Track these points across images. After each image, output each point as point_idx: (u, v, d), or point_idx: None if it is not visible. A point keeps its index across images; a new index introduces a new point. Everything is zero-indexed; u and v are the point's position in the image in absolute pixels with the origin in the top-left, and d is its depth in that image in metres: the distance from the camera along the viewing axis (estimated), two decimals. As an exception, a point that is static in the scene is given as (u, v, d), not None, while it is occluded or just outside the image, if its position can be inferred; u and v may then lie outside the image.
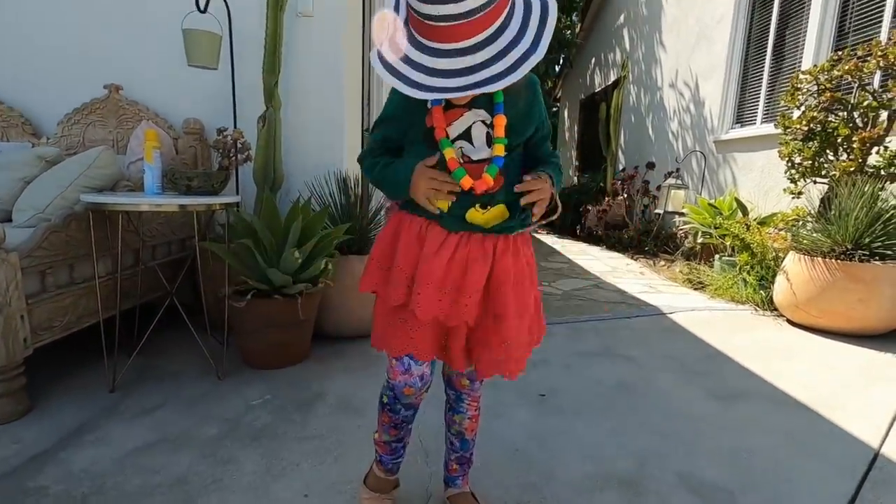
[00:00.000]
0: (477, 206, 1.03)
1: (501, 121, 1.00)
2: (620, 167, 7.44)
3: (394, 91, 1.01)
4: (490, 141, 1.01)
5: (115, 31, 2.82)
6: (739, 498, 1.35)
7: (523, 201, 1.00)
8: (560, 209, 1.09)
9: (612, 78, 8.39)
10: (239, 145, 2.17)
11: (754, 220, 3.72)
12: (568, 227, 7.42)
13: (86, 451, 1.51)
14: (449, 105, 1.01)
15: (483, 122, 1.01)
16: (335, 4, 2.72)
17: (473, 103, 1.01)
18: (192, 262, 2.44)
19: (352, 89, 2.93)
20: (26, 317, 1.68)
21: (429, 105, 1.01)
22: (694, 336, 2.72)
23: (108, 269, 2.08)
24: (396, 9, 0.93)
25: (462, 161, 1.02)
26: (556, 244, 6.45)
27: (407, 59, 0.90)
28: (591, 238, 6.61)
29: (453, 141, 1.01)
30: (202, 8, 2.33)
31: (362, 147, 3.00)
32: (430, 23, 0.86)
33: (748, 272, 3.39)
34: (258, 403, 1.84)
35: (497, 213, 1.04)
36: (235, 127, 2.65)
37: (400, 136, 1.09)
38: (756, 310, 3.20)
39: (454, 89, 0.88)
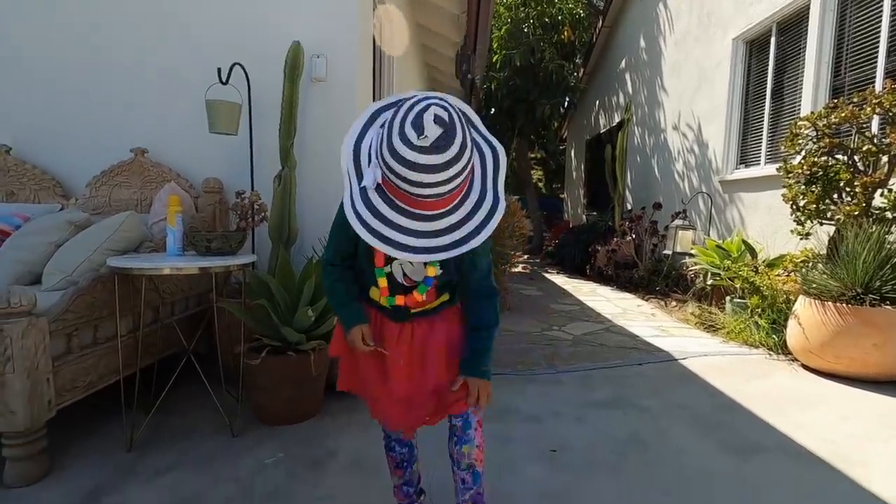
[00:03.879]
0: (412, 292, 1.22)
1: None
2: (628, 206, 7.51)
3: (338, 223, 1.17)
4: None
5: (141, 94, 3.01)
6: (756, 564, 1.33)
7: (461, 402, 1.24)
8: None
9: (616, 120, 8.59)
10: (256, 207, 2.28)
11: (763, 261, 3.73)
12: (578, 266, 7.43)
13: (104, 515, 1.54)
14: None
15: None
16: (347, 70, 2.89)
17: None
18: (209, 318, 2.51)
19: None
20: (52, 379, 1.74)
21: None
22: (707, 384, 2.70)
23: (129, 328, 2.16)
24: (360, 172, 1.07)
25: (400, 278, 1.20)
26: (567, 284, 6.46)
27: (383, 218, 1.04)
28: (601, 277, 6.61)
29: (392, 262, 1.19)
30: (224, 80, 2.50)
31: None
32: (407, 189, 1.00)
33: (760, 315, 3.38)
34: (271, 462, 1.86)
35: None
36: (252, 186, 2.78)
37: (350, 246, 1.23)
38: (770, 354, 3.17)
39: (438, 248, 1.04)
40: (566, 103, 10.37)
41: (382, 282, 1.20)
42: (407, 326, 1.26)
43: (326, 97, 2.90)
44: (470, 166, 1.03)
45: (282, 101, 2.67)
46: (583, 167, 11.01)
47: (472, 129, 1.08)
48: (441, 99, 1.00)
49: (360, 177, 1.06)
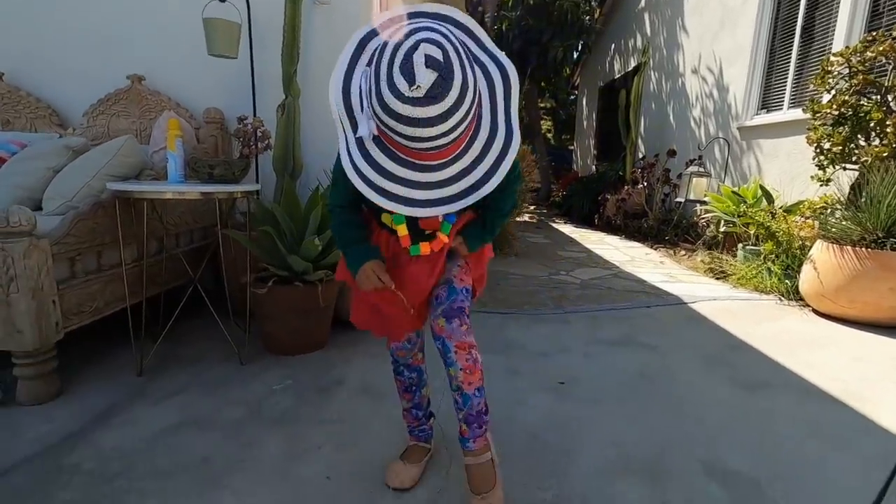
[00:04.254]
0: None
1: None
2: (640, 155, 7.31)
3: (339, 166, 1.05)
4: None
5: (137, 21, 2.85)
6: (766, 487, 1.33)
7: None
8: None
9: (633, 64, 8.22)
10: (259, 133, 2.19)
11: (780, 207, 3.63)
12: (586, 216, 7.34)
13: (115, 431, 1.55)
14: None
15: None
16: (352, -9, 2.71)
17: None
18: (215, 250, 2.47)
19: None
20: (57, 301, 1.72)
21: None
22: (716, 325, 2.67)
23: (133, 256, 2.13)
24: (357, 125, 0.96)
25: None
26: (574, 233, 6.39)
27: (383, 171, 0.95)
28: (609, 227, 6.53)
29: None
30: (221, -4, 2.34)
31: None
32: (406, 143, 0.91)
33: (773, 261, 3.31)
34: (279, 388, 1.87)
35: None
36: (255, 116, 2.67)
37: (351, 201, 1.15)
38: (781, 300, 3.13)
39: (447, 200, 0.97)
40: (580, 47, 9.92)
41: (402, 229, 1.13)
42: (424, 245, 1.20)
43: (331, 21, 2.73)
44: (475, 106, 0.92)
45: (284, 24, 2.51)
46: (594, 116, 10.67)
47: (476, 52, 0.96)
48: (432, 30, 0.87)
49: (354, 124, 0.96)
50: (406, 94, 0.83)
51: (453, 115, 0.87)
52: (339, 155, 1.05)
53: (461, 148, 0.94)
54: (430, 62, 0.83)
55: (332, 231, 1.23)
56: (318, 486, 1.31)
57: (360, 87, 0.93)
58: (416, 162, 0.94)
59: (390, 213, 1.12)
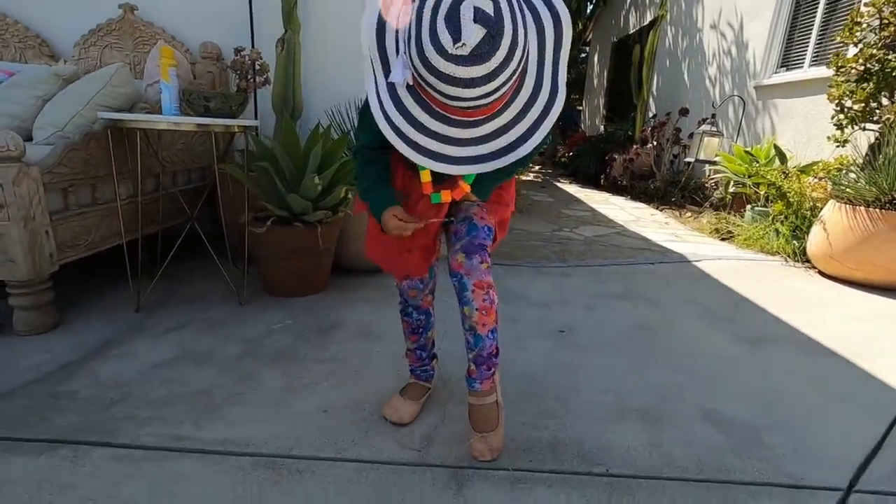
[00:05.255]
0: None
1: None
2: (651, 115, 7.11)
3: (368, 109, 0.96)
4: None
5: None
6: (764, 435, 1.33)
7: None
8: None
9: (649, 18, 7.87)
10: (257, 66, 2.08)
11: (793, 167, 3.53)
12: (592, 176, 7.21)
13: (113, 362, 1.55)
14: None
15: None
16: (358, -83, 2.53)
17: None
18: (213, 189, 2.42)
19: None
20: (51, 233, 1.69)
21: None
22: (720, 283, 2.65)
23: (129, 192, 2.07)
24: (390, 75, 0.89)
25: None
26: (579, 193, 6.29)
27: (415, 122, 0.89)
28: (615, 188, 6.42)
29: None
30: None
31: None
32: (443, 101, 0.84)
33: (781, 222, 3.25)
34: (278, 328, 1.86)
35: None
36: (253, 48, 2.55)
37: (382, 142, 1.06)
38: (786, 261, 3.09)
39: (481, 158, 0.92)
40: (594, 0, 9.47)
41: (425, 175, 1.07)
42: (445, 192, 1.14)
43: (334, -50, 2.57)
44: (523, 63, 0.83)
45: (284, -50, 2.36)
46: (605, 74, 10.32)
47: None
48: None
49: (386, 67, 0.87)
50: (449, 51, 0.75)
51: (498, 76, 0.79)
52: (365, 101, 0.99)
53: (502, 104, 0.88)
54: (479, 16, 0.74)
55: (356, 173, 1.16)
56: (314, 418, 1.30)
57: (399, 19, 0.84)
58: (452, 117, 0.87)
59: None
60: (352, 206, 2.18)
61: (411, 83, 0.85)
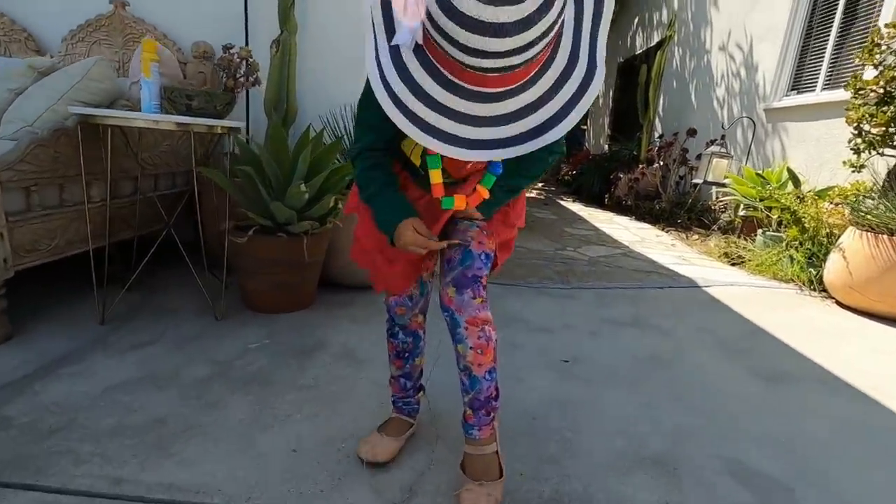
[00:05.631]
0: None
1: None
2: (658, 135, 7.02)
3: (370, 94, 0.82)
4: None
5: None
6: (798, 492, 1.15)
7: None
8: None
9: (656, 39, 7.84)
10: (248, 65, 1.95)
11: (808, 192, 3.39)
12: (595, 195, 7.09)
13: (61, 383, 1.38)
14: None
15: None
16: (361, -83, 2.43)
17: None
18: (193, 195, 2.27)
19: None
20: (6, 235, 1.53)
21: None
22: (732, 311, 2.48)
23: (102, 194, 1.93)
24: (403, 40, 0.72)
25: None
26: (582, 211, 6.16)
27: (423, 94, 0.72)
28: (619, 207, 6.29)
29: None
30: None
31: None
32: (462, 60, 0.68)
33: (796, 249, 3.10)
34: (255, 347, 1.70)
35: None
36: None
37: (387, 141, 0.94)
38: (801, 289, 2.93)
39: (502, 143, 0.75)
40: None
41: (436, 176, 0.90)
42: (459, 197, 1.00)
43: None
44: (558, 26, 0.68)
45: (282, -53, 2.26)
46: (611, 94, 10.28)
47: None
48: None
49: (391, 28, 0.72)
50: None
51: (532, 25, 0.64)
52: (366, 86, 0.83)
53: (531, 75, 0.71)
54: None
55: (357, 180, 0.99)
56: (280, 459, 1.13)
57: None
58: (469, 87, 0.70)
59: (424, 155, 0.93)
60: (341, 216, 2.04)
61: (421, 42, 0.69)
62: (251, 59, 1.97)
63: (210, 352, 1.64)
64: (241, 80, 1.93)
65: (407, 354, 1.20)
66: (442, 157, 0.88)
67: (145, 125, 1.62)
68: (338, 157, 2.05)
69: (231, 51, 1.92)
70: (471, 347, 0.97)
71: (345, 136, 2.28)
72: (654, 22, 8.15)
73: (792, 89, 4.70)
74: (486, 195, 0.94)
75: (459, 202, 0.93)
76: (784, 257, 3.15)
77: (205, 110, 1.80)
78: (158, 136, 2.20)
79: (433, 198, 0.95)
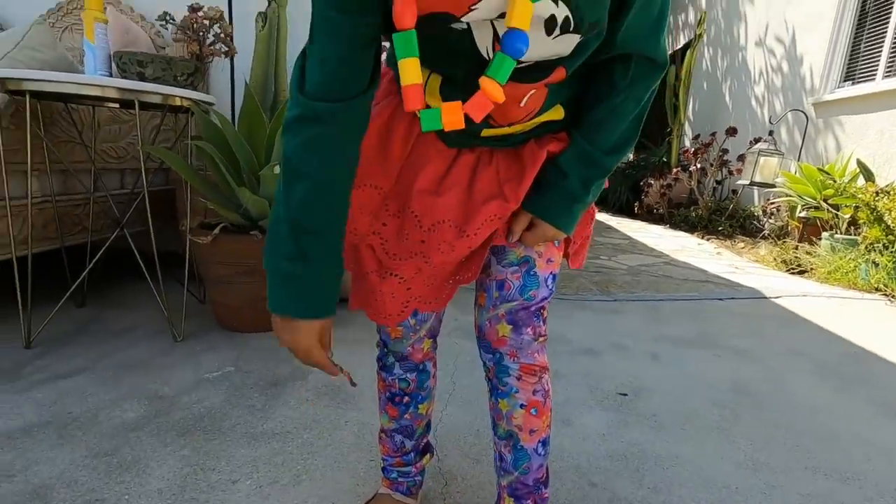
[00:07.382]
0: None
1: None
2: (686, 143, 6.57)
3: None
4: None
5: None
6: None
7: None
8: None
9: (683, 41, 7.46)
10: (217, 30, 1.60)
11: (888, 185, 2.90)
12: (623, 205, 6.64)
13: (-70, 430, 1.00)
14: None
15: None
16: None
17: None
18: (170, 192, 1.92)
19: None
20: None
21: None
22: (820, 328, 2.00)
23: (43, 191, 1.58)
24: None
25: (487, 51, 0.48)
26: (610, 221, 5.71)
27: None
28: (651, 216, 5.83)
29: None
30: None
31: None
32: None
33: (880, 252, 2.61)
34: (214, 377, 1.30)
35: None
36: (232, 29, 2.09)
37: (362, 63, 0.49)
38: (891, 300, 2.43)
39: None
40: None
41: (408, 65, 0.44)
42: (465, 158, 0.61)
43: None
44: None
45: None
46: (633, 101, 9.89)
47: None
48: None
49: None
50: None
51: None
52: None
53: None
54: None
55: (281, 168, 0.53)
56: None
57: None
58: None
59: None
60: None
61: None
62: (223, 21, 1.62)
63: (153, 384, 1.24)
64: (210, 46, 1.58)
65: (406, 398, 0.78)
66: (475, 80, 0.46)
67: (74, 90, 1.27)
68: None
69: (197, 12, 1.57)
70: (522, 405, 0.66)
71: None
72: (680, 24, 7.79)
73: (846, 80, 4.23)
74: (500, 97, 0.46)
75: (448, 117, 0.47)
76: (863, 262, 2.65)
77: (161, 79, 1.45)
78: (123, 127, 1.87)
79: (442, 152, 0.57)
